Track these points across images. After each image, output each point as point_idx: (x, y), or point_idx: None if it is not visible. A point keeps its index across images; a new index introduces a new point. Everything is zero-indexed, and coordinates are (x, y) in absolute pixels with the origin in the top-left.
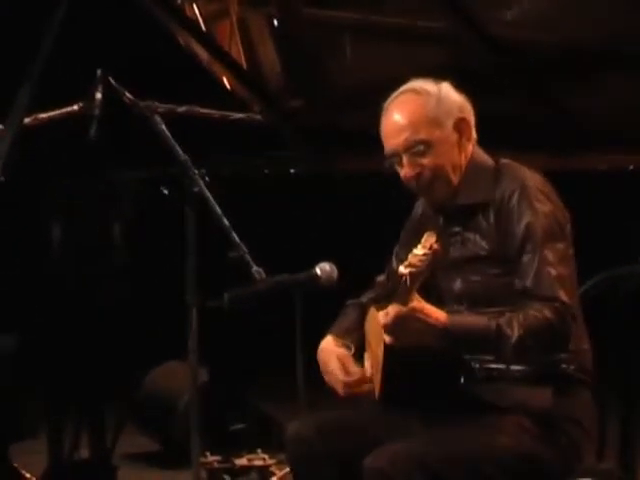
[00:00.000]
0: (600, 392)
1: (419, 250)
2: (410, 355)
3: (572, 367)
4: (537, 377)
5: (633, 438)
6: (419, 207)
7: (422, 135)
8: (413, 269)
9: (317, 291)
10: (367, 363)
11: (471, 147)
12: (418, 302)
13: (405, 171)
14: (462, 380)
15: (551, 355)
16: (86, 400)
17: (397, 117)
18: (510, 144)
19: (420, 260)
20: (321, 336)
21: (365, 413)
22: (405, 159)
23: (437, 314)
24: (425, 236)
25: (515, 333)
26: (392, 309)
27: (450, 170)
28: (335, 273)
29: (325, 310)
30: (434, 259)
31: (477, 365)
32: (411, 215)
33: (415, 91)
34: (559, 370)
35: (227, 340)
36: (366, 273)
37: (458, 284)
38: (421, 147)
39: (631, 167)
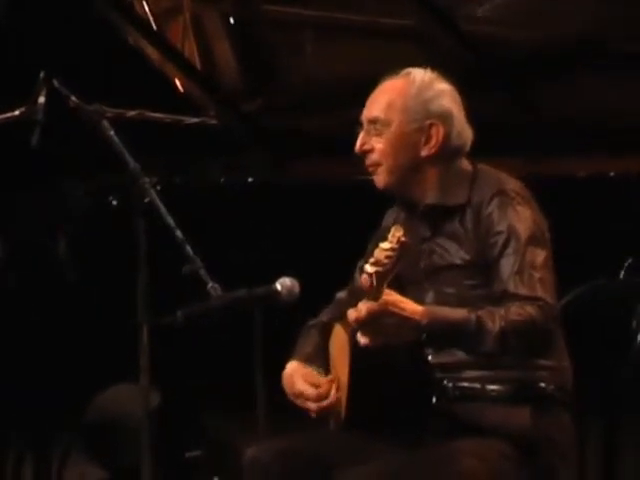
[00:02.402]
0: (580, 412)
1: (386, 244)
2: (378, 373)
3: (551, 386)
4: (514, 397)
5: (615, 462)
6: (390, 217)
7: (384, 116)
8: (379, 267)
9: (278, 307)
10: (333, 396)
11: (440, 156)
12: (390, 295)
13: (357, 142)
14: (434, 400)
15: (533, 352)
16: (30, 428)
17: (379, 91)
18: (483, 148)
19: (387, 256)
20: (282, 354)
21: (329, 436)
22: (363, 132)
23: (413, 306)
24: (392, 230)
25: (497, 325)
26: (363, 305)
27: (395, 163)
28: (296, 288)
29: (286, 327)
30: (402, 253)
31: (450, 384)
32: (381, 226)
33: (407, 74)
34: (537, 389)
35: (181, 360)
36: (330, 288)
37: (430, 297)
38: (379, 126)
39: (612, 174)
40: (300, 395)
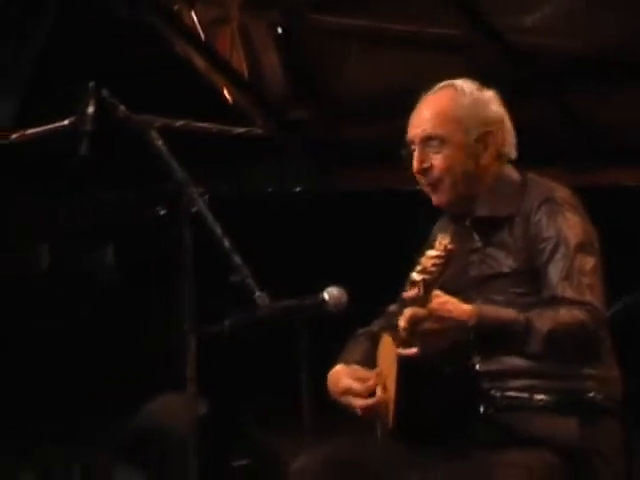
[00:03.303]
0: (628, 423)
1: (432, 252)
2: (426, 383)
3: (600, 396)
4: (562, 406)
5: None
6: (439, 228)
7: (440, 131)
8: (427, 275)
9: (325, 317)
10: (379, 395)
11: (495, 164)
12: (438, 299)
13: (414, 163)
14: (482, 410)
15: (583, 356)
16: (77, 438)
17: (425, 107)
18: (531, 159)
19: (434, 263)
20: (329, 365)
21: (377, 445)
22: (417, 151)
23: (460, 307)
24: (438, 238)
25: (545, 326)
26: (408, 312)
27: (459, 177)
28: (344, 298)
29: (333, 338)
30: (449, 261)
31: (498, 393)
32: (429, 238)
33: (453, 87)
34: (586, 399)
35: (228, 369)
36: (378, 300)
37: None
38: (435, 143)
39: None
40: (346, 391)
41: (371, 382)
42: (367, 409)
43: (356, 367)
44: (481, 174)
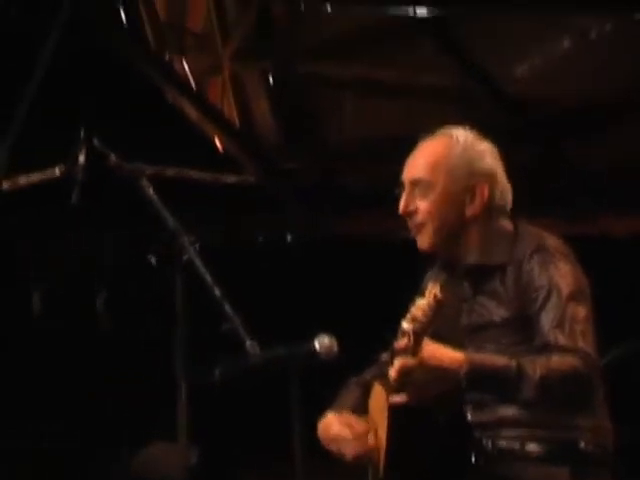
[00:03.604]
0: (620, 474)
1: (422, 301)
2: (417, 430)
3: (591, 446)
4: (554, 456)
5: None
6: (431, 277)
7: (428, 176)
8: (417, 324)
9: (316, 365)
10: (370, 442)
11: (483, 215)
12: (428, 348)
13: (401, 204)
14: (473, 459)
15: (575, 402)
16: None
17: (419, 152)
18: (524, 207)
19: (423, 312)
20: (320, 412)
21: None
22: (405, 193)
23: (451, 355)
24: (428, 287)
25: (537, 373)
26: (398, 362)
27: (442, 224)
28: (335, 347)
29: (325, 385)
30: (439, 310)
31: (489, 443)
32: (422, 286)
33: (449, 134)
34: (577, 449)
35: (219, 417)
36: (371, 347)
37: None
38: (423, 187)
39: None
40: (336, 438)
41: (361, 429)
42: (357, 456)
43: (346, 414)
44: (466, 223)
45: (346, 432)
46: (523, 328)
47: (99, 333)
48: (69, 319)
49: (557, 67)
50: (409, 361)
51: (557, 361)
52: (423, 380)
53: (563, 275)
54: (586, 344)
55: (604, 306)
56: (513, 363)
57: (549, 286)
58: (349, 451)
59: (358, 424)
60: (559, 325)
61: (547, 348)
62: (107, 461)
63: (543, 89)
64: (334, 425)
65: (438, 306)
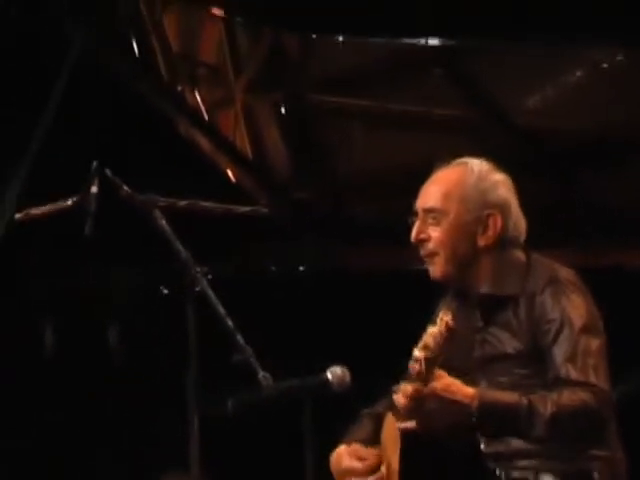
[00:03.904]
0: None
1: (434, 329)
2: (429, 458)
3: (605, 477)
4: None
5: None
6: (443, 306)
7: (441, 205)
8: (428, 352)
9: (329, 397)
10: (384, 476)
11: (495, 246)
12: (441, 379)
13: (413, 232)
14: None
15: (587, 438)
16: None
17: (433, 181)
18: (536, 239)
19: (435, 340)
20: (333, 444)
21: None
22: (418, 221)
23: (463, 390)
24: (440, 314)
25: (548, 410)
26: (409, 387)
27: (454, 253)
28: (348, 377)
29: (338, 416)
30: (450, 338)
31: (503, 473)
32: (434, 316)
33: (464, 164)
34: (590, 479)
35: (232, 449)
36: (382, 379)
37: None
38: (435, 216)
39: None
40: (348, 471)
41: (373, 461)
42: None
43: (357, 446)
44: (479, 253)
45: (357, 464)
46: (536, 360)
47: (112, 367)
48: (81, 354)
49: (570, 99)
50: (421, 388)
51: (568, 397)
52: (435, 410)
53: (576, 307)
54: (598, 378)
55: (617, 339)
56: (524, 401)
57: (562, 319)
58: None
59: (370, 456)
60: (571, 359)
61: (559, 382)
62: None
63: (556, 121)
64: (345, 458)
65: (449, 334)
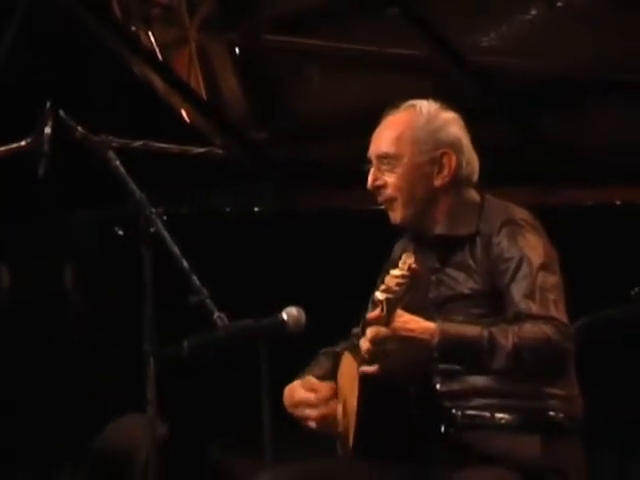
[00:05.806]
0: (589, 442)
1: (396, 271)
2: (387, 400)
3: (561, 415)
4: (523, 425)
5: None
6: (399, 248)
7: (394, 150)
8: (390, 294)
9: (285, 338)
10: (340, 414)
11: (451, 186)
12: (400, 318)
13: (369, 179)
14: (442, 428)
15: (549, 371)
16: (36, 459)
17: (384, 127)
18: (489, 178)
19: (397, 283)
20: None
21: (337, 464)
22: (373, 168)
23: (423, 325)
24: (403, 257)
25: (510, 341)
26: (371, 331)
27: (411, 197)
28: (303, 318)
29: (296, 360)
30: (413, 280)
31: (458, 412)
32: (390, 258)
33: (413, 106)
34: (547, 417)
35: (188, 390)
36: (340, 321)
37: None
38: (389, 162)
39: (618, 202)
40: (300, 402)
41: (326, 393)
42: (322, 420)
43: (310, 379)
44: (435, 195)
45: (310, 395)
46: (493, 301)
47: (68, 309)
48: (37, 295)
49: (525, 37)
50: (381, 330)
51: (530, 329)
52: (395, 350)
53: (533, 247)
54: (559, 312)
55: (573, 276)
56: (485, 332)
57: (519, 257)
58: (314, 415)
59: (322, 388)
60: (531, 294)
61: (519, 317)
62: (81, 434)
63: (511, 60)
64: (298, 390)
65: (413, 276)
